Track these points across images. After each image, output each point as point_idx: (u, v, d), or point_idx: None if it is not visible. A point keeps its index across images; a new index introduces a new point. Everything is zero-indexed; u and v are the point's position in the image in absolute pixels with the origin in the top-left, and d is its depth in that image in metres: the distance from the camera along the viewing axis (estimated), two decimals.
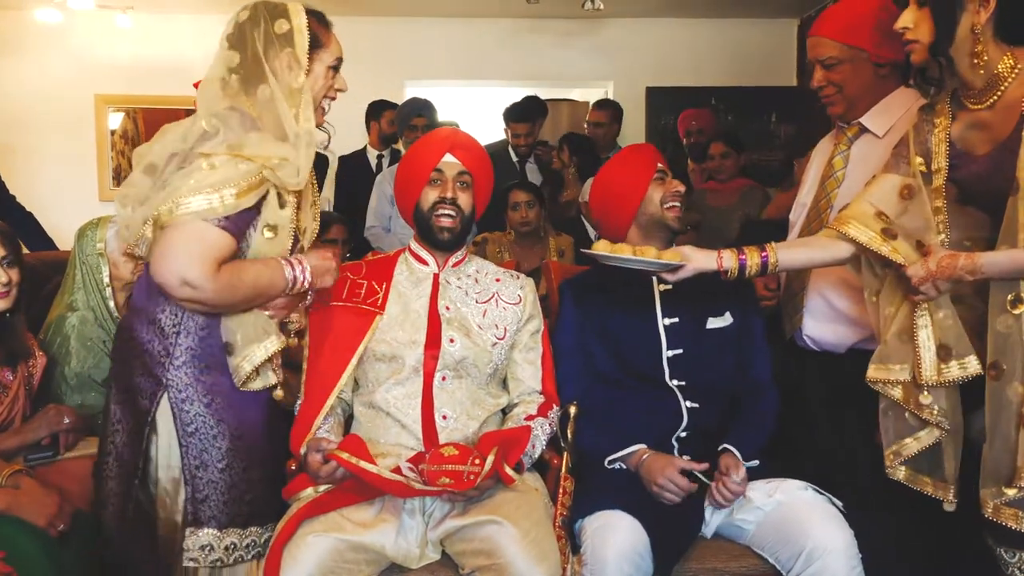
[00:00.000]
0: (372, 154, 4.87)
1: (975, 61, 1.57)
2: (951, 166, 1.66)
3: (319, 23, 1.75)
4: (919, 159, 1.69)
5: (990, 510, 1.57)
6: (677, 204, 2.10)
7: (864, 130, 2.05)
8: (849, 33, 1.96)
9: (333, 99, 1.83)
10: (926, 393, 1.63)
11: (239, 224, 1.64)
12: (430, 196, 2.03)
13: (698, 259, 1.83)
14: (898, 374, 1.68)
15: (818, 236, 1.84)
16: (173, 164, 1.66)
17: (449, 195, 2.02)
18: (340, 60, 1.79)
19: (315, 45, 1.72)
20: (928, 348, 1.63)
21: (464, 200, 2.04)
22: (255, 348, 1.71)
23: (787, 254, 1.82)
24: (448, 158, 2.03)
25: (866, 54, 1.96)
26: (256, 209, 1.67)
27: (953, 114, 1.67)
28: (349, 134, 5.27)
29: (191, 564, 1.69)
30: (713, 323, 2.09)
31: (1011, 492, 1.53)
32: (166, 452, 1.71)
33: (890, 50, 1.95)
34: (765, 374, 2.11)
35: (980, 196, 1.65)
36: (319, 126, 1.78)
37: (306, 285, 1.74)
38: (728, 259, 1.81)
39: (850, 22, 1.96)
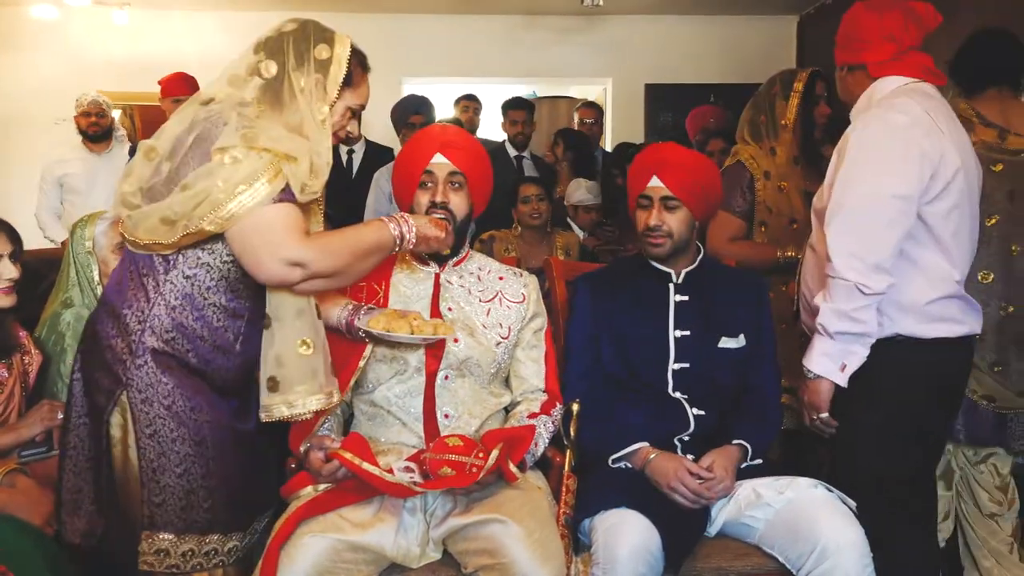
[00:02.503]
0: (343, 148, 4.79)
1: None
2: None
3: (359, 63, 1.71)
4: None
5: None
6: (651, 239, 2.06)
7: None
8: (840, 53, 2.07)
9: (341, 139, 1.78)
10: None
11: (291, 197, 1.59)
12: (421, 201, 1.95)
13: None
14: None
15: None
16: (185, 151, 1.59)
17: (439, 199, 1.94)
18: (363, 107, 1.75)
19: (347, 83, 1.67)
20: None
21: (457, 202, 1.96)
22: (299, 394, 1.69)
23: None
24: (438, 159, 1.96)
25: (844, 68, 2.08)
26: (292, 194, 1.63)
27: None
28: None
29: (145, 568, 1.63)
30: (726, 343, 2.06)
31: None
32: (121, 452, 1.64)
33: (849, 54, 2.06)
34: (773, 392, 2.10)
35: None
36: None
37: (412, 242, 1.74)
38: None
39: (838, 43, 2.07)
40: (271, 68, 1.62)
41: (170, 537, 1.64)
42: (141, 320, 1.63)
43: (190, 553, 1.65)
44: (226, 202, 1.52)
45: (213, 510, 1.67)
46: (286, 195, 1.58)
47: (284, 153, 1.57)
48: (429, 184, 1.96)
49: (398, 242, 1.72)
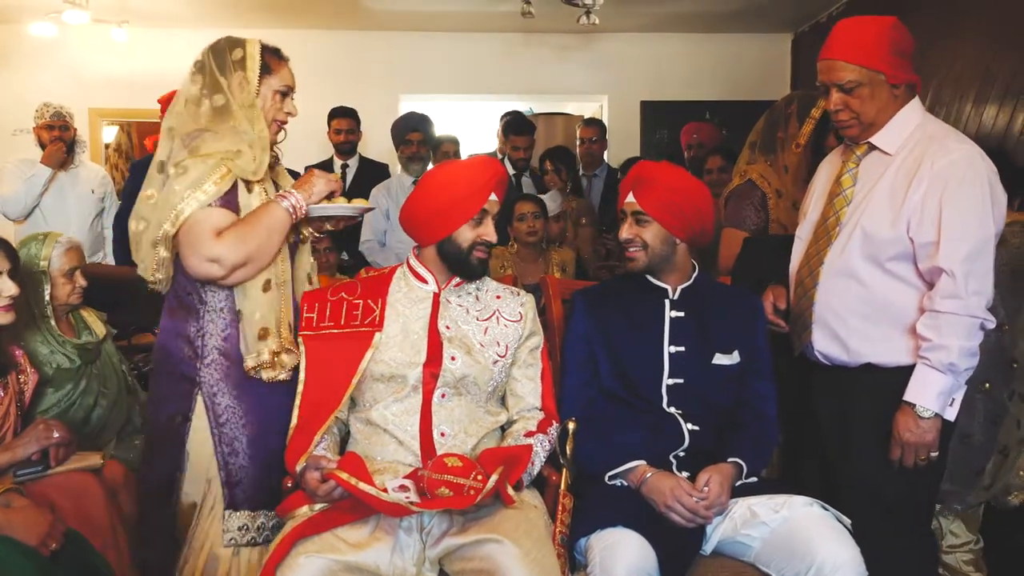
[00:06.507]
0: (337, 164, 4.83)
1: None
2: None
3: (272, 55, 2.03)
4: None
5: None
6: (631, 252, 2.10)
7: (872, 148, 2.02)
8: (867, 56, 1.91)
9: (284, 122, 2.07)
10: None
11: (231, 202, 1.92)
12: (468, 235, 1.99)
13: None
14: None
15: None
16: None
17: (493, 239, 2.01)
18: (289, 88, 2.05)
19: (265, 71, 1.99)
20: None
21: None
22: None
23: None
24: (492, 197, 2.01)
25: (883, 76, 1.93)
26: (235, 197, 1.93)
27: None
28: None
29: (231, 544, 1.94)
30: (720, 359, 2.07)
31: None
32: (200, 444, 1.96)
33: (905, 71, 1.94)
34: (771, 409, 2.10)
35: None
36: (273, 144, 2.06)
37: (304, 207, 1.98)
38: None
39: (866, 45, 1.92)
40: (198, 81, 1.98)
41: (248, 513, 1.97)
42: (199, 329, 1.97)
43: (262, 527, 1.98)
44: (178, 203, 1.86)
45: (276, 487, 1.96)
46: (226, 200, 1.91)
47: (225, 151, 1.90)
48: (481, 222, 2.00)
49: (291, 212, 1.96)
